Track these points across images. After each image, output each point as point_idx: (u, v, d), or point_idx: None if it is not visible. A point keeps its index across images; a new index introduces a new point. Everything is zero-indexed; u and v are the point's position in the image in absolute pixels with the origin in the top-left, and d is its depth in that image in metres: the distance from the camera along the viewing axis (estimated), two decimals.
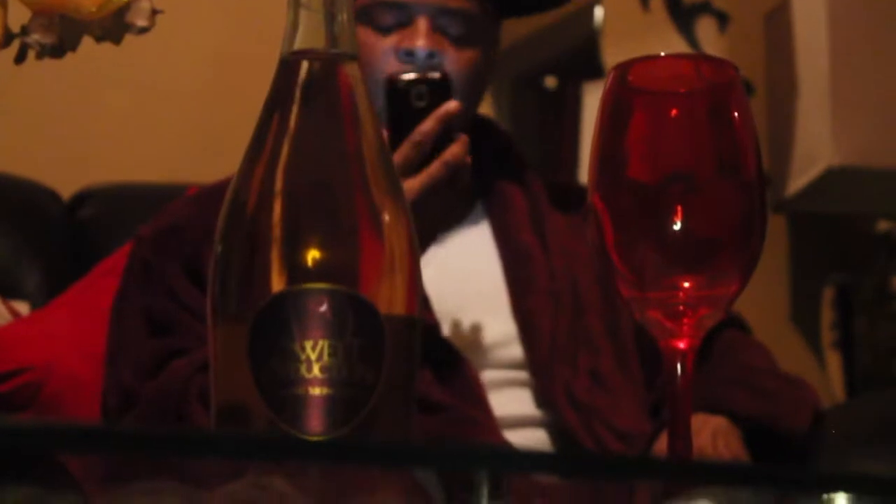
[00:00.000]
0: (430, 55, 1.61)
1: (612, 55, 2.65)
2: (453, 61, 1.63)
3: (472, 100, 1.66)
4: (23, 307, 1.89)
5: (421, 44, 1.61)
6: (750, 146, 0.84)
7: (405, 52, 1.61)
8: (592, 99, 2.64)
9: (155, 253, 1.62)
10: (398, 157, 1.44)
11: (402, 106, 1.50)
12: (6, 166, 2.10)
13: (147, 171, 2.24)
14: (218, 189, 1.58)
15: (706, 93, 0.86)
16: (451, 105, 1.47)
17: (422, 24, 1.62)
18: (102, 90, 2.36)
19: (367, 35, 1.63)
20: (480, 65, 1.66)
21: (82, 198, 2.14)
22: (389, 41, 1.63)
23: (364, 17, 1.63)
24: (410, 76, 1.52)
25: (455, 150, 1.46)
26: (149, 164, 2.34)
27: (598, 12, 2.66)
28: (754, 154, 0.84)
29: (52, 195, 2.12)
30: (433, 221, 1.49)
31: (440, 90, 1.50)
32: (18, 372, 1.64)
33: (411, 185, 1.44)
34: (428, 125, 1.46)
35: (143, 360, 1.56)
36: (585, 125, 2.64)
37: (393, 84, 1.51)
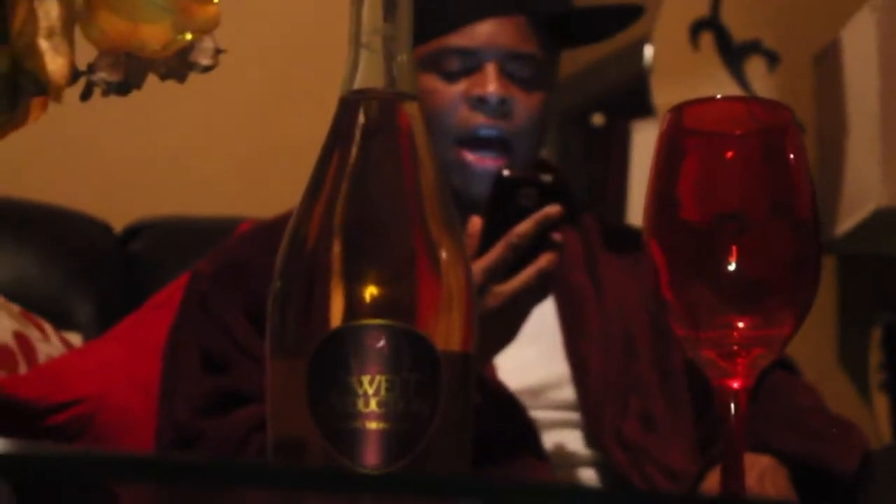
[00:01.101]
0: (502, 101, 1.61)
1: (661, 93, 2.65)
2: (523, 106, 1.63)
3: (537, 142, 1.66)
4: (75, 338, 1.91)
5: (492, 90, 1.60)
6: (805, 188, 0.84)
7: (477, 99, 1.61)
8: (641, 137, 2.64)
9: (213, 289, 1.61)
10: (492, 255, 1.42)
11: (507, 202, 1.45)
12: (59, 199, 2.12)
13: (199, 204, 2.26)
14: (275, 225, 1.58)
15: (761, 135, 0.86)
16: (553, 209, 1.44)
17: (491, 69, 1.62)
18: (155, 124, 2.39)
19: (433, 82, 1.62)
20: (546, 107, 1.66)
21: (134, 230, 2.16)
22: (458, 88, 1.62)
23: (430, 63, 1.62)
24: (523, 175, 1.48)
25: (551, 257, 1.44)
26: (201, 197, 2.35)
27: (648, 50, 2.66)
28: (809, 196, 0.84)
29: (104, 228, 2.15)
30: (518, 321, 1.47)
31: (549, 194, 1.46)
32: (71, 403, 1.66)
33: (502, 290, 1.42)
34: (527, 227, 1.43)
35: (198, 397, 1.55)
36: (633, 163, 2.64)
37: (502, 180, 1.47)
